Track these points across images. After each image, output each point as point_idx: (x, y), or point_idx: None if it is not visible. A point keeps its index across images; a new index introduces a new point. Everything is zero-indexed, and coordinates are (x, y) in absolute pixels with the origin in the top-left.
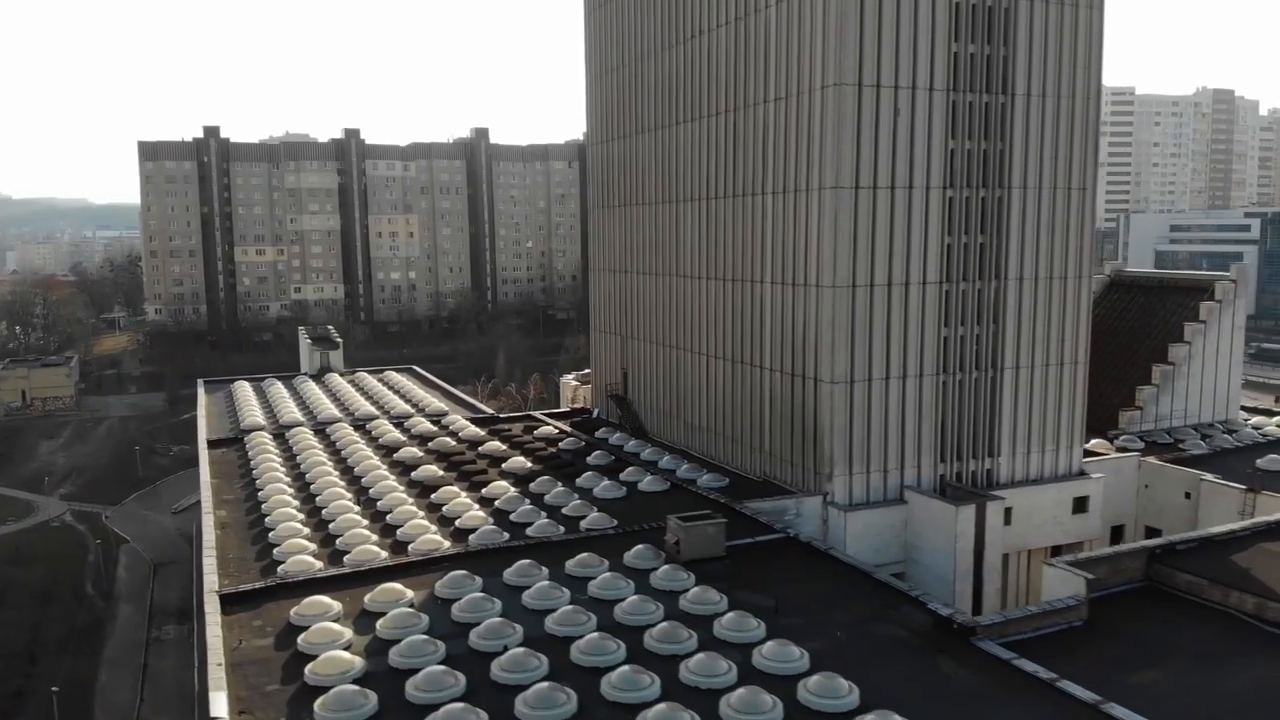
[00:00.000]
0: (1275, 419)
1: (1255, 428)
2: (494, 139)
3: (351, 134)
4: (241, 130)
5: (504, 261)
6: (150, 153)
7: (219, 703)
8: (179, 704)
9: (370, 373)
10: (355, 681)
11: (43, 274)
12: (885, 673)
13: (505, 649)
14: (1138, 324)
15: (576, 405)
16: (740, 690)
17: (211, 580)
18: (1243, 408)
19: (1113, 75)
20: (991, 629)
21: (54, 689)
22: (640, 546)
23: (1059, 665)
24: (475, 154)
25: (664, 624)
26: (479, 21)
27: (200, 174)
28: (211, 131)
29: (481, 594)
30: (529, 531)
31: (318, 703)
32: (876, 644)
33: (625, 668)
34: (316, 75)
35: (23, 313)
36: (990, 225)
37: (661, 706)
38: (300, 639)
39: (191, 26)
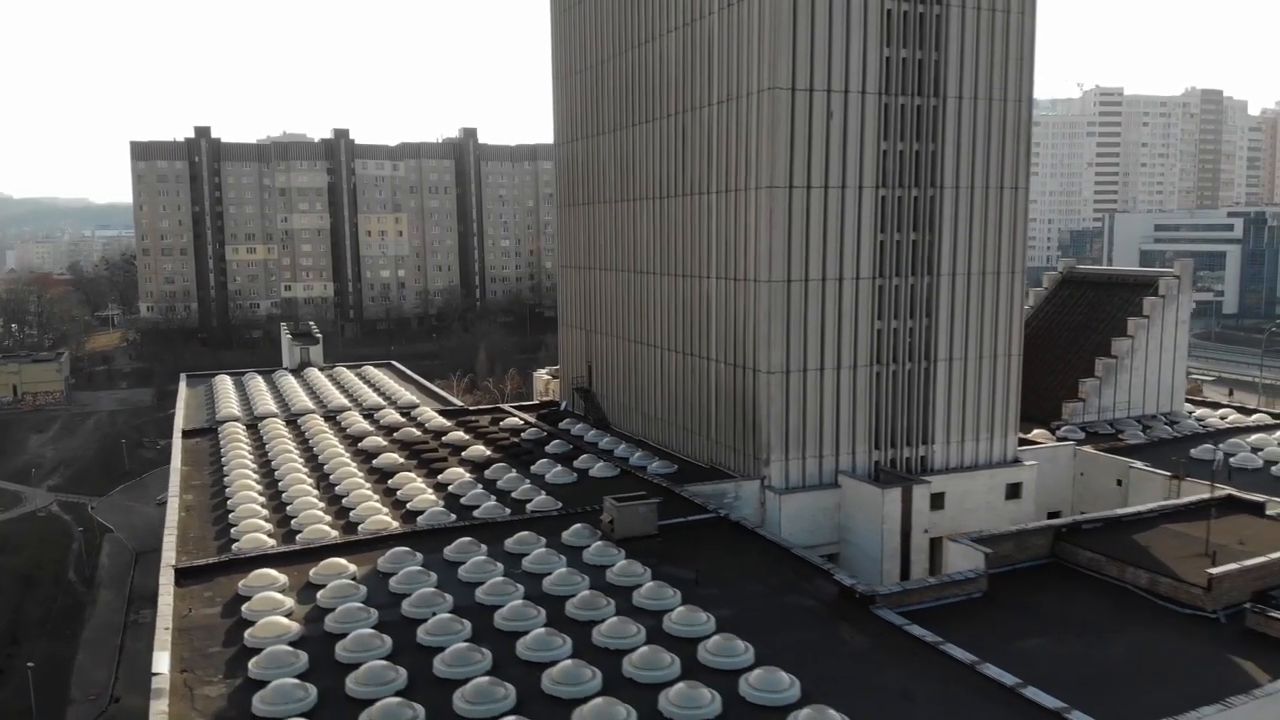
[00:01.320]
0: (1220, 412)
1: (1198, 420)
2: (482, 139)
3: (341, 134)
4: (239, 130)
5: (492, 260)
6: (142, 152)
7: (161, 661)
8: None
9: (349, 368)
10: (290, 644)
11: (38, 272)
12: (786, 636)
13: (434, 615)
14: (1085, 319)
15: (546, 398)
16: (643, 649)
17: (169, 556)
18: (1189, 400)
19: (1102, 76)
20: (890, 598)
21: (29, 664)
22: (578, 525)
23: (951, 632)
24: (464, 154)
25: (585, 593)
26: (468, 23)
27: (191, 174)
28: (203, 132)
29: (419, 568)
30: (476, 513)
31: (252, 661)
32: (785, 611)
33: (540, 630)
34: (310, 76)
35: (18, 310)
36: (923, 223)
37: (566, 663)
38: (244, 607)
39: (189, 29)
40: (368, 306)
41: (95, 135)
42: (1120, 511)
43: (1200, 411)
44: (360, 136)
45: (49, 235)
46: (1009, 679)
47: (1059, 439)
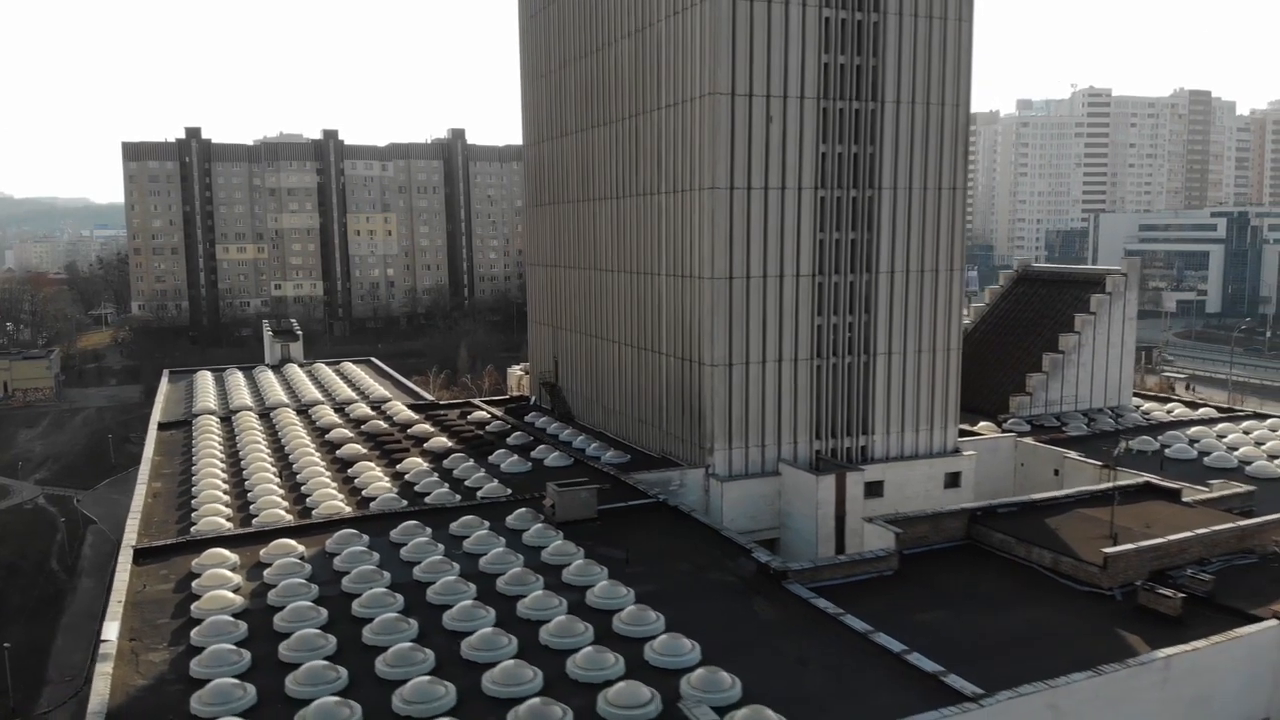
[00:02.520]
0: (1167, 406)
1: (1143, 414)
2: (471, 139)
3: (330, 134)
4: (236, 132)
5: (480, 259)
6: (134, 153)
7: (110, 630)
8: None
9: (328, 364)
10: (233, 615)
11: (33, 272)
12: (700, 608)
13: (369, 589)
14: (1036, 315)
15: (518, 393)
16: (560, 619)
17: (130, 537)
18: (1137, 394)
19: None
20: (803, 574)
21: (6, 646)
22: (521, 510)
23: (857, 605)
24: (452, 154)
25: (517, 570)
26: (456, 25)
27: (182, 174)
28: (193, 132)
29: (363, 548)
30: (427, 499)
31: (195, 630)
32: (704, 586)
33: (467, 602)
34: (304, 78)
35: (12, 309)
36: (862, 222)
37: (485, 631)
38: (194, 583)
39: (187, 33)
40: (357, 305)
41: (96, 136)
42: (1036, 496)
43: (1147, 405)
44: (350, 137)
45: (49, 235)
46: (896, 646)
47: (1004, 431)
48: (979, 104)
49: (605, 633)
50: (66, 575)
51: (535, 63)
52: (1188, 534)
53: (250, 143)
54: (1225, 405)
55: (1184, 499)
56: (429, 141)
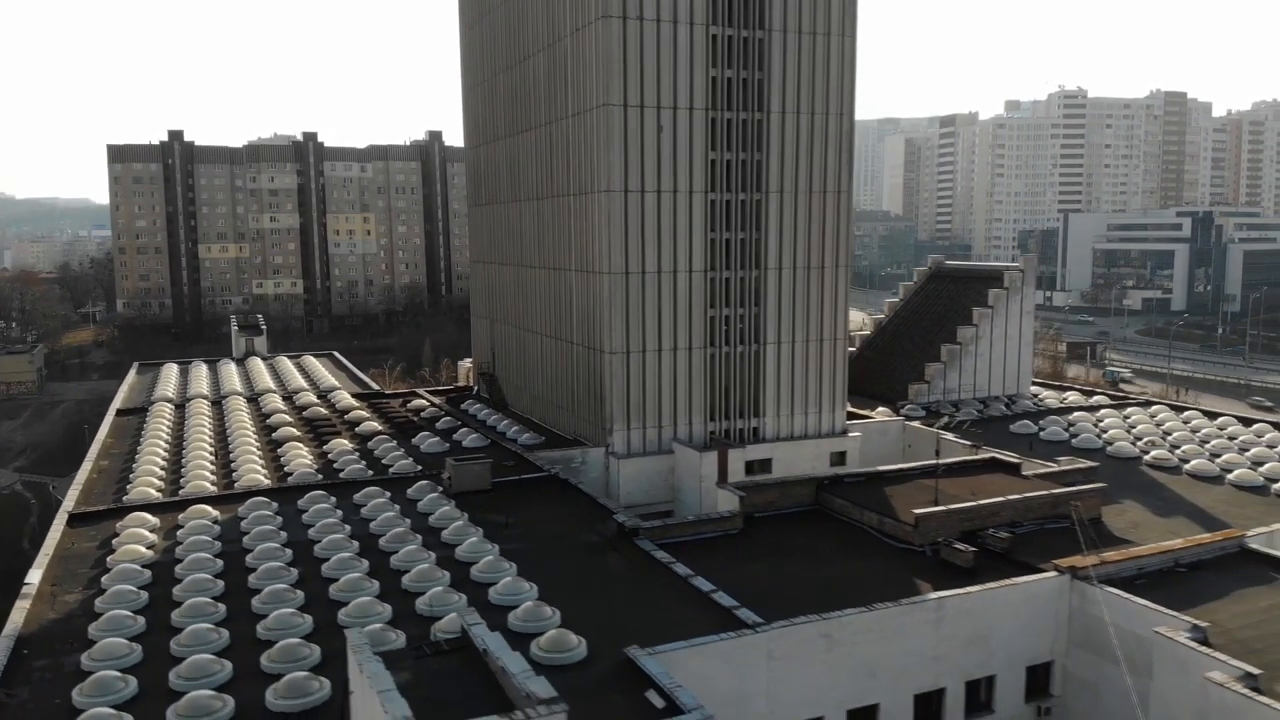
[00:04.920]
0: (1064, 395)
1: (1037, 401)
2: (448, 141)
3: (309, 137)
4: (222, 134)
5: (458, 257)
6: (118, 155)
7: (34, 575)
8: None
9: (290, 357)
10: (141, 565)
11: (24, 270)
12: (559, 561)
13: (263, 545)
14: (944, 309)
15: (465, 384)
16: (423, 566)
17: (68, 504)
18: (1035, 382)
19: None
20: (653, 532)
21: None
22: (422, 482)
23: (695, 559)
24: (430, 155)
25: (399, 530)
26: (435, 29)
27: (165, 175)
28: (176, 135)
29: (270, 513)
30: (341, 474)
31: (104, 577)
32: (567, 544)
33: (344, 554)
34: (287, 81)
35: (3, 307)
36: (750, 223)
37: (352, 575)
38: (114, 540)
39: (179, 41)
40: (336, 303)
41: (97, 137)
42: (883, 468)
43: (1045, 394)
44: (330, 140)
45: (47, 235)
46: (706, 587)
47: (901, 416)
48: (961, 106)
49: (463, 580)
50: (37, 553)
51: (473, 71)
52: (999, 499)
53: (235, 145)
54: (1121, 394)
55: (1024, 472)
56: (407, 143)
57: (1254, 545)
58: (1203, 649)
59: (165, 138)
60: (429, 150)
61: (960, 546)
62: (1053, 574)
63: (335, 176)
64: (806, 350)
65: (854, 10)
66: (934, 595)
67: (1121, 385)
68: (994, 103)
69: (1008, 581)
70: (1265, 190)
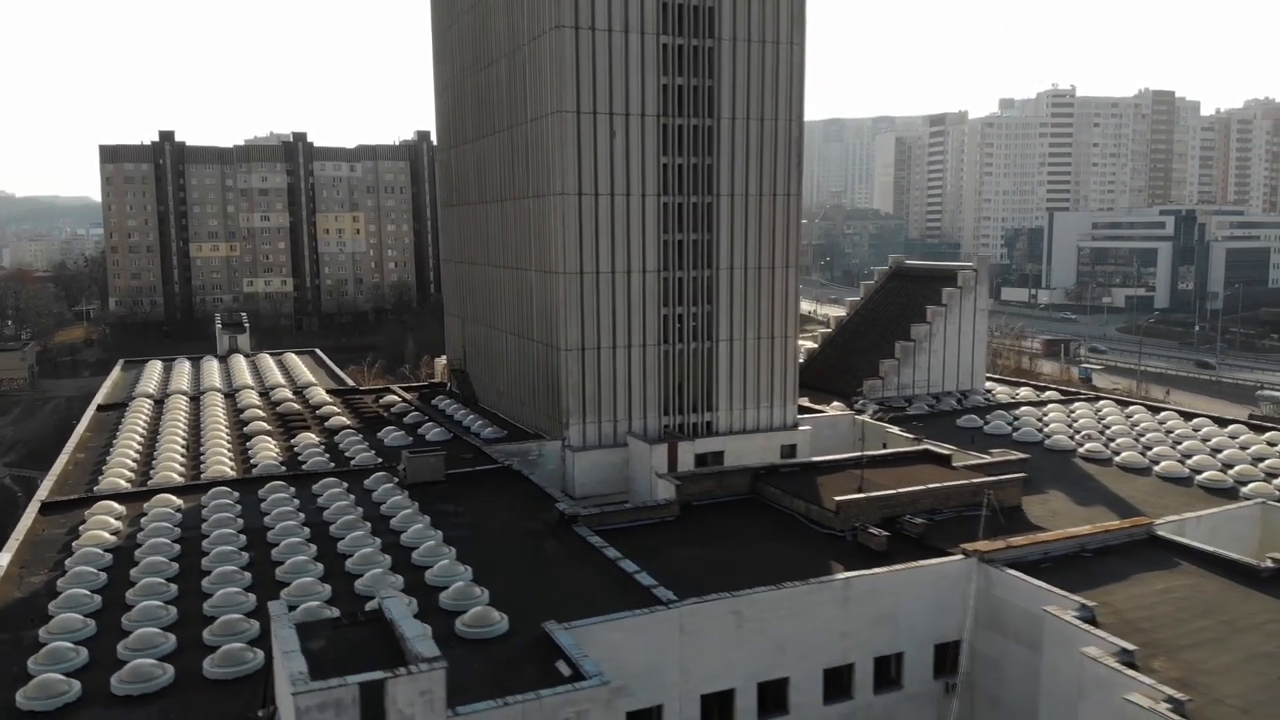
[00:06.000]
0: (1018, 390)
1: (988, 396)
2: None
3: (299, 137)
4: (212, 134)
5: None
6: (110, 155)
7: (3, 559)
8: None
9: (272, 354)
10: (103, 549)
11: (19, 269)
12: (499, 545)
13: (219, 530)
14: (901, 307)
15: (440, 381)
16: (366, 550)
17: (42, 493)
18: (991, 378)
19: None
20: (590, 519)
21: None
22: (378, 473)
23: (629, 543)
24: (418, 155)
25: (349, 517)
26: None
27: (157, 175)
28: (167, 135)
29: (230, 502)
30: (305, 466)
31: (68, 560)
32: (510, 530)
33: (294, 539)
34: (278, 82)
35: None
36: (702, 225)
37: (299, 559)
38: (81, 527)
39: (173, 41)
40: (326, 301)
41: (97, 136)
42: (818, 459)
43: (999, 390)
44: (320, 140)
45: (47, 233)
46: (631, 568)
47: (855, 411)
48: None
49: (404, 564)
50: None
51: (444, 74)
52: (918, 487)
53: (225, 145)
54: (1073, 391)
55: (954, 464)
56: (396, 143)
57: (1162, 533)
58: (1085, 626)
59: (156, 138)
60: (417, 150)
61: (875, 531)
62: (959, 557)
63: (325, 176)
64: (758, 347)
65: (803, 20)
66: (841, 575)
67: (1094, 382)
68: (991, 101)
69: (914, 564)
70: (1254, 188)
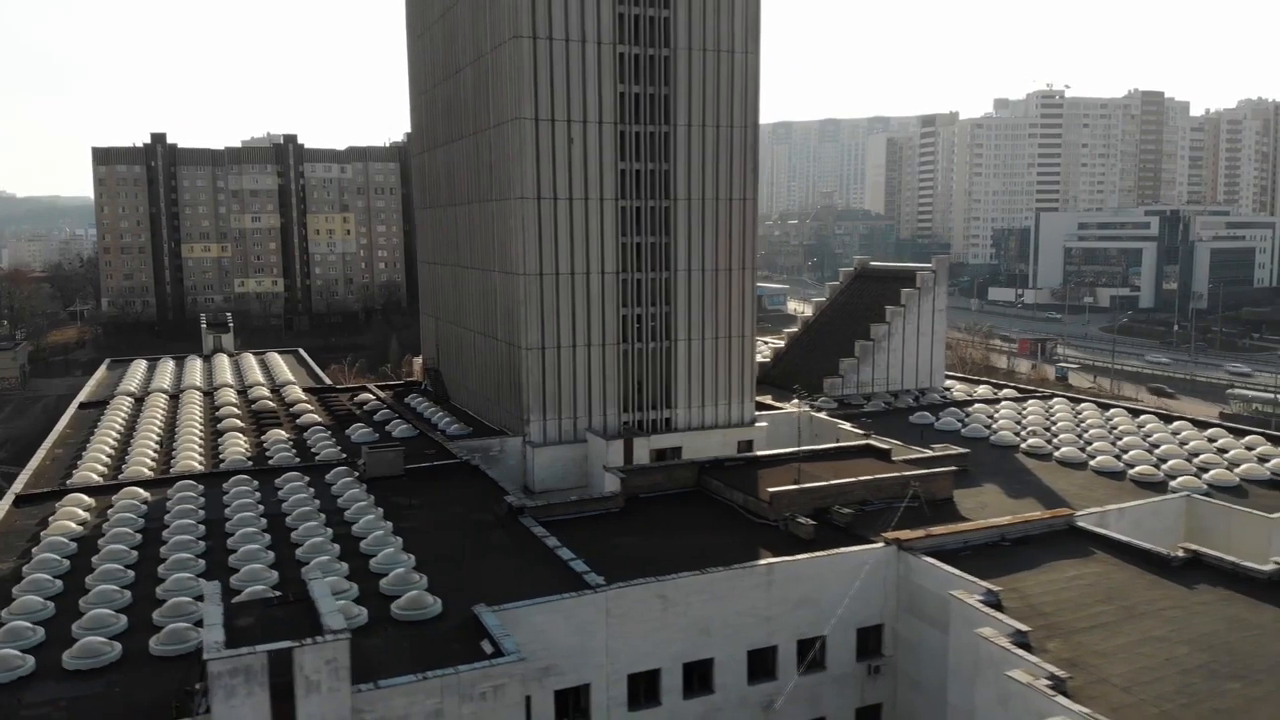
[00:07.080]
0: (976, 388)
1: (944, 394)
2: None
3: (290, 139)
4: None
5: None
6: (103, 157)
7: None
8: None
9: (255, 354)
10: (71, 539)
11: (15, 269)
12: (448, 535)
13: (179, 521)
14: (864, 308)
15: (417, 380)
16: (315, 539)
17: (17, 486)
18: (952, 376)
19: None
20: (536, 510)
21: None
22: (339, 468)
23: (572, 534)
24: (408, 156)
25: (305, 509)
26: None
27: (149, 177)
28: (159, 138)
29: (194, 494)
30: (271, 461)
31: (35, 548)
32: (460, 521)
33: (250, 529)
34: (269, 84)
35: None
36: (660, 228)
37: (251, 546)
38: (51, 518)
39: (169, 43)
40: (316, 301)
41: (96, 137)
42: (761, 453)
43: (957, 388)
44: (310, 142)
45: (46, 233)
46: (568, 556)
47: (814, 408)
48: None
49: (353, 552)
50: None
51: (418, 80)
52: (850, 479)
53: (216, 147)
54: (1030, 389)
55: (894, 458)
56: (386, 145)
57: (1082, 524)
58: (986, 609)
59: (148, 140)
60: (407, 151)
61: (803, 520)
62: (880, 545)
63: (315, 177)
64: (716, 346)
65: (757, 29)
66: (764, 561)
67: (1070, 380)
68: (986, 101)
69: (835, 550)
70: (1243, 189)
